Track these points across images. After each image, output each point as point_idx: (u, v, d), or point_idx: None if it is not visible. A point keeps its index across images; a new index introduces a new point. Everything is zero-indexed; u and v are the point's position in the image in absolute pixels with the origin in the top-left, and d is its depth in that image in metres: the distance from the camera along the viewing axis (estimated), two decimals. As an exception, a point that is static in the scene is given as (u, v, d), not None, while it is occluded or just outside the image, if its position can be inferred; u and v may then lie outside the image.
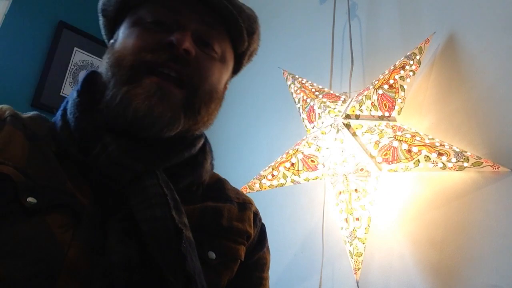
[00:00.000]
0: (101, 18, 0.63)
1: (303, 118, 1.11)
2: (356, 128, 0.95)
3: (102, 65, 0.58)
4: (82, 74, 0.64)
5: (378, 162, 0.92)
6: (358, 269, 0.90)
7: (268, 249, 0.70)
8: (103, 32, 0.65)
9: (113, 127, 0.53)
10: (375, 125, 0.94)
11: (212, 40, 0.59)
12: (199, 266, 0.49)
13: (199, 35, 0.57)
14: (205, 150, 0.63)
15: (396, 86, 0.97)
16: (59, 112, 0.58)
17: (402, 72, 0.97)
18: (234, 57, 0.65)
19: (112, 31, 0.63)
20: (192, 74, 0.55)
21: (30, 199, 0.46)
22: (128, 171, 0.52)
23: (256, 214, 0.69)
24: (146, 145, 0.54)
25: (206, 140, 0.65)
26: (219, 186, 0.67)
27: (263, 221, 0.70)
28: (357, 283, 0.91)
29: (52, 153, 0.52)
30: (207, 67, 0.57)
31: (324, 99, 1.06)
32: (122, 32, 0.59)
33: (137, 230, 0.48)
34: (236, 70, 0.69)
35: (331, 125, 0.98)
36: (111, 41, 0.62)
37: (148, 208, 0.49)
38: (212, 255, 0.56)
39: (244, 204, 0.67)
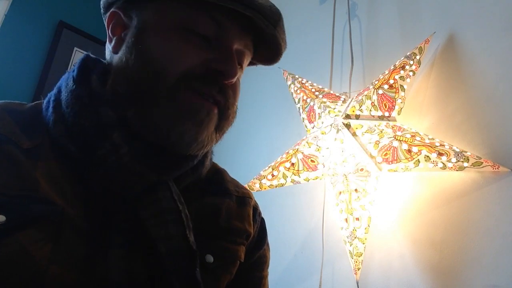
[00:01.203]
0: None
1: (303, 118, 1.11)
2: (356, 128, 0.95)
3: (128, 60, 0.50)
4: (78, 60, 0.56)
5: (378, 162, 0.92)
6: (358, 269, 0.90)
7: (268, 245, 0.67)
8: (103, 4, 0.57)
9: (121, 126, 0.48)
10: (375, 125, 0.94)
11: (245, 61, 0.57)
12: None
13: (238, 58, 0.54)
14: None
15: (396, 86, 0.97)
16: (51, 103, 0.51)
17: (402, 72, 0.97)
18: None
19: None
20: (226, 101, 0.52)
21: None
22: (141, 179, 0.48)
23: (256, 209, 0.66)
24: (158, 152, 0.50)
25: None
26: (218, 178, 0.64)
27: (263, 220, 0.69)
28: (357, 283, 0.91)
29: (21, 152, 0.46)
30: (237, 92, 0.56)
31: (324, 99, 1.06)
32: (154, 27, 0.50)
33: (141, 246, 0.45)
34: None
35: (331, 125, 0.98)
36: (125, 18, 0.53)
37: (162, 224, 0.46)
38: (210, 258, 0.53)
39: (243, 199, 0.64)
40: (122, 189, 0.47)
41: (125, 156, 0.47)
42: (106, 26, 0.56)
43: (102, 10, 0.57)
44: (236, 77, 0.52)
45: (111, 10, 0.55)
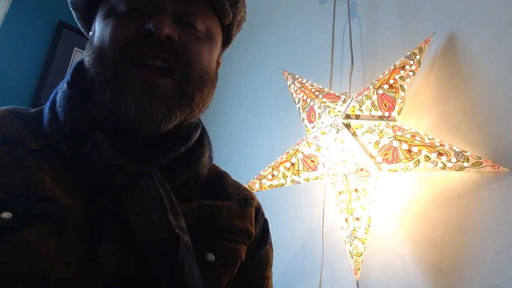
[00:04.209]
0: (73, 12, 0.60)
1: (303, 118, 1.11)
2: (356, 128, 0.95)
3: (85, 61, 0.54)
4: (73, 64, 0.61)
5: (378, 162, 0.92)
6: (358, 269, 0.90)
7: (271, 245, 0.67)
8: (79, 25, 0.62)
9: (106, 123, 0.50)
10: (375, 125, 0.94)
11: (194, 18, 0.54)
12: (197, 273, 0.47)
13: (180, 15, 0.53)
14: (203, 144, 0.60)
15: (396, 86, 0.97)
16: (48, 105, 0.54)
17: (402, 72, 0.97)
18: (222, 29, 0.61)
19: (88, 23, 0.60)
20: (180, 60, 0.51)
21: (4, 214, 0.42)
22: (122, 172, 0.49)
23: (258, 210, 0.66)
24: (140, 143, 0.51)
25: (204, 132, 0.62)
26: (219, 182, 0.64)
27: (264, 219, 0.68)
28: (357, 283, 0.91)
29: (28, 153, 0.48)
30: (194, 49, 0.53)
31: (324, 99, 1.06)
32: (97, 25, 0.55)
33: (133, 238, 0.45)
34: (226, 42, 0.65)
35: (331, 125, 0.98)
36: (90, 33, 0.58)
37: (144, 212, 0.46)
38: (211, 257, 0.53)
39: (245, 200, 0.64)
40: (106, 183, 0.48)
41: (105, 151, 0.48)
42: None
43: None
44: (167, 30, 0.50)
45: (89, 35, 0.59)
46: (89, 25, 0.60)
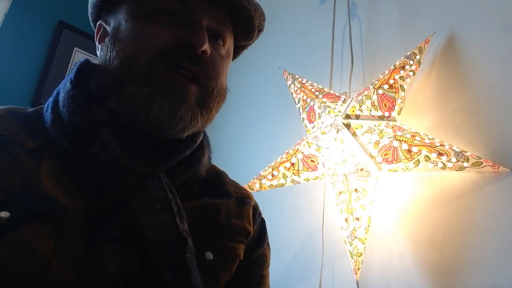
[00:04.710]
0: None
1: (303, 118, 1.11)
2: (356, 128, 0.95)
3: (107, 56, 0.53)
4: (75, 64, 0.60)
5: (378, 162, 0.92)
6: (358, 269, 0.90)
7: (268, 244, 0.67)
8: (91, 10, 0.60)
9: (118, 123, 0.50)
10: (375, 125, 0.94)
11: (223, 36, 0.57)
12: (199, 276, 0.47)
13: (211, 31, 0.55)
14: (203, 145, 0.61)
15: (396, 86, 0.97)
16: (50, 105, 0.54)
17: (402, 72, 0.97)
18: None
19: (101, 10, 0.59)
20: (206, 75, 0.53)
21: (2, 214, 0.42)
22: (130, 172, 0.49)
23: (256, 209, 0.67)
24: (148, 145, 0.51)
25: (204, 133, 0.63)
26: (217, 180, 0.65)
27: (263, 220, 0.69)
28: (357, 283, 0.91)
29: (25, 152, 0.48)
30: (219, 67, 0.56)
31: (324, 99, 1.06)
32: (125, 21, 0.54)
33: (134, 238, 0.45)
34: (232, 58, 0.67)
35: (331, 125, 0.98)
36: (106, 26, 0.57)
37: (151, 213, 0.47)
38: (210, 255, 0.54)
39: (243, 199, 0.65)
40: (114, 183, 0.49)
41: (114, 151, 0.48)
42: (95, 39, 0.60)
43: (92, 25, 0.62)
44: (206, 46, 0.51)
45: (97, 24, 0.59)
46: (100, 11, 0.59)
